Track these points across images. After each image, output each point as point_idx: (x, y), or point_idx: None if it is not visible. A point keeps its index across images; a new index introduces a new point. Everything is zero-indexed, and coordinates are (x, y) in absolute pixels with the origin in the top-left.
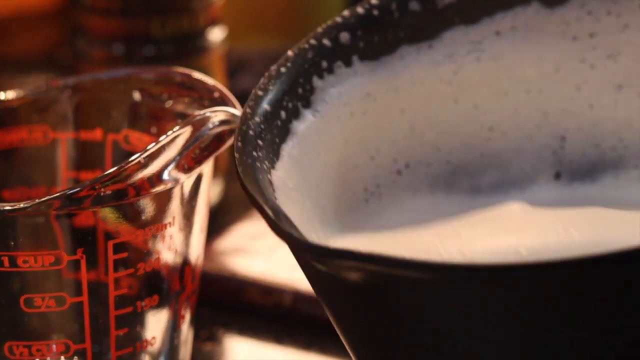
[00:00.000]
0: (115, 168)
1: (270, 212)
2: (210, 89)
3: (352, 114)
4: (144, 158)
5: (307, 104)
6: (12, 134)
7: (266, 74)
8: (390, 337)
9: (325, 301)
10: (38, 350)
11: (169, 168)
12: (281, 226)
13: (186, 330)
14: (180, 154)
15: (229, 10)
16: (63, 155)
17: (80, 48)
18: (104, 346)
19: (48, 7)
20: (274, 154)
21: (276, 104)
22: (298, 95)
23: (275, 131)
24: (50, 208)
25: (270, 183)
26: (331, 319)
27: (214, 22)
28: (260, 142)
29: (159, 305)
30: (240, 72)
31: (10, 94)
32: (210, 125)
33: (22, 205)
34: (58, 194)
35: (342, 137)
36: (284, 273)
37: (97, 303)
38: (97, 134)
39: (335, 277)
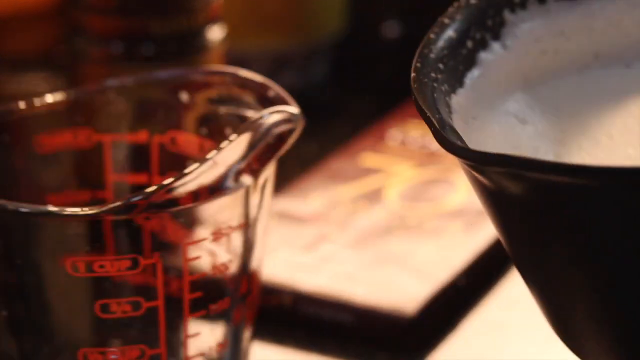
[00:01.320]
0: (187, 171)
1: (435, 123)
2: (264, 88)
3: (544, 51)
4: (212, 161)
5: (496, 37)
6: (56, 137)
7: (455, 3)
8: (560, 254)
9: (493, 216)
10: (113, 357)
11: (236, 171)
12: (445, 135)
13: (249, 333)
14: (246, 156)
15: (228, 9)
16: (108, 157)
17: (79, 47)
18: (177, 351)
19: (46, 5)
20: (457, 80)
21: (463, 33)
22: (487, 27)
23: (459, 58)
24: (128, 212)
25: (448, 105)
26: (500, 235)
27: (213, 21)
28: (441, 65)
29: (230, 308)
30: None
31: (55, 97)
32: (272, 126)
33: (97, 209)
34: (135, 198)
35: (535, 74)
36: (284, 273)
37: (171, 307)
38: (142, 136)
39: (498, 189)
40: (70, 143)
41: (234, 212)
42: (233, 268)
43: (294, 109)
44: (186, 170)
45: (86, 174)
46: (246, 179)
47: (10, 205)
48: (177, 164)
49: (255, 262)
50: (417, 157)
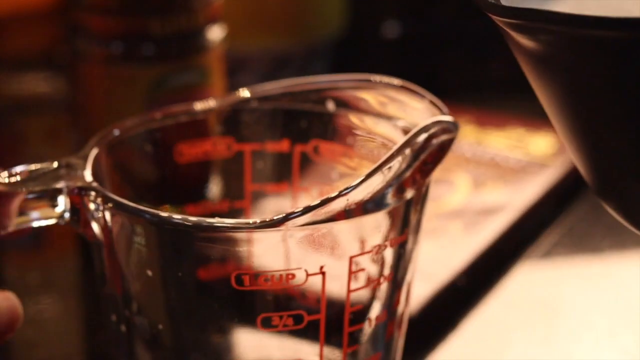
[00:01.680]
0: (358, 181)
1: None
2: (418, 97)
3: None
4: (381, 172)
5: None
6: (196, 147)
7: None
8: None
9: (538, 81)
10: None
11: (400, 182)
12: None
13: (402, 346)
14: (409, 167)
15: (228, 9)
16: (247, 167)
17: (79, 47)
18: None
19: (46, 5)
20: None
21: None
22: None
23: None
24: (297, 223)
25: None
26: (546, 103)
27: (213, 21)
28: None
29: (387, 321)
30: (240, 71)
31: (196, 106)
32: (434, 136)
33: (263, 220)
34: (304, 209)
35: None
36: None
37: (332, 320)
38: (284, 145)
39: (538, 47)
40: (210, 152)
41: (396, 224)
42: (391, 280)
43: (451, 118)
44: (357, 181)
45: (225, 183)
46: (409, 191)
47: (181, 218)
48: (319, 173)
49: (410, 275)
50: None
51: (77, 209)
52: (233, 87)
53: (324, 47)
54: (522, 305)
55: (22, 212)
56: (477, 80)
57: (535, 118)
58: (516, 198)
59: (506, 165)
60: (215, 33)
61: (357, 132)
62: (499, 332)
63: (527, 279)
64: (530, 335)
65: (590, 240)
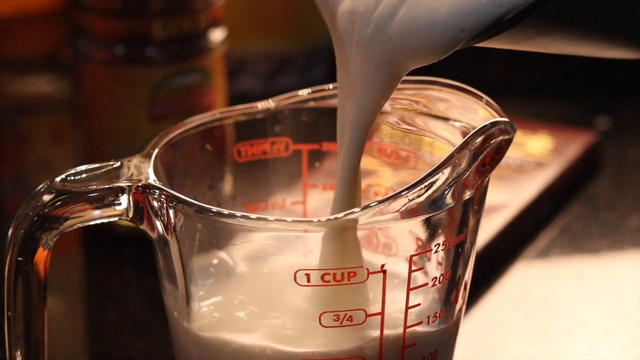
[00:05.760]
0: (417, 181)
1: None
2: (475, 97)
3: None
4: (441, 173)
5: None
6: (254, 147)
7: None
8: None
9: None
10: None
11: (460, 182)
12: None
13: (455, 343)
14: (469, 167)
15: (229, 10)
16: (304, 166)
17: (82, 49)
18: None
19: (50, 7)
20: None
21: None
22: None
23: None
24: (357, 222)
25: None
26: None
27: (214, 23)
28: None
29: (444, 319)
30: (240, 72)
31: (256, 106)
32: (492, 137)
33: (324, 219)
34: (364, 207)
35: None
36: None
37: (391, 318)
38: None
39: None
40: (268, 152)
41: (455, 225)
42: (449, 279)
43: (508, 119)
44: (416, 181)
45: (282, 182)
46: (468, 192)
47: (242, 215)
48: (373, 173)
49: (467, 274)
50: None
51: (141, 207)
52: (234, 89)
53: (325, 49)
54: (518, 304)
55: (85, 210)
56: (476, 80)
57: (533, 118)
58: (513, 197)
59: (504, 164)
60: (217, 35)
61: (414, 132)
62: (495, 331)
63: (523, 278)
64: (526, 333)
65: (586, 240)
